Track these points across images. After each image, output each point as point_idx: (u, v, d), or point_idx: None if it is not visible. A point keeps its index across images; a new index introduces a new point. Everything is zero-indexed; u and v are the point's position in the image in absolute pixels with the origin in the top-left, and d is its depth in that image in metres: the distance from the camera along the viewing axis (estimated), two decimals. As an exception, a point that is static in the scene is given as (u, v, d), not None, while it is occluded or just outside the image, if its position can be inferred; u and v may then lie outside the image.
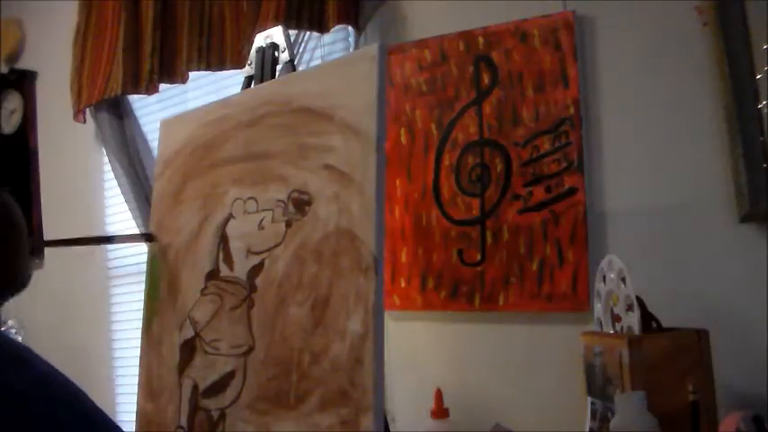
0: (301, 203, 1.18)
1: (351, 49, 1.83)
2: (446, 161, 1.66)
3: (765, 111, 1.29)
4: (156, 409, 1.37)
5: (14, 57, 2.71)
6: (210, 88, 2.15)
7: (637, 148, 1.46)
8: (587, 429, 1.25)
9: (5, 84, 2.70)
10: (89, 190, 2.50)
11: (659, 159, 1.43)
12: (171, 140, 1.52)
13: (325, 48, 1.86)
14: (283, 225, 1.21)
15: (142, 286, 1.50)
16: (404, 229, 1.71)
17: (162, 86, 2.10)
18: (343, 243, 1.09)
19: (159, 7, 2.07)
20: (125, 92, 2.13)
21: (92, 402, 0.74)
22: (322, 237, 1.13)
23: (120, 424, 0.76)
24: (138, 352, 1.47)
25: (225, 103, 1.42)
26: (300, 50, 1.83)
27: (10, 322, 2.52)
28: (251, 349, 1.20)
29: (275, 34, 1.51)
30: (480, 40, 1.63)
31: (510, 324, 1.60)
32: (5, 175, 2.63)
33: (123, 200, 2.26)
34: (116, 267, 2.44)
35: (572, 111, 1.51)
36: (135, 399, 1.44)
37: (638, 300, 1.18)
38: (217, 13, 1.98)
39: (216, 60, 1.98)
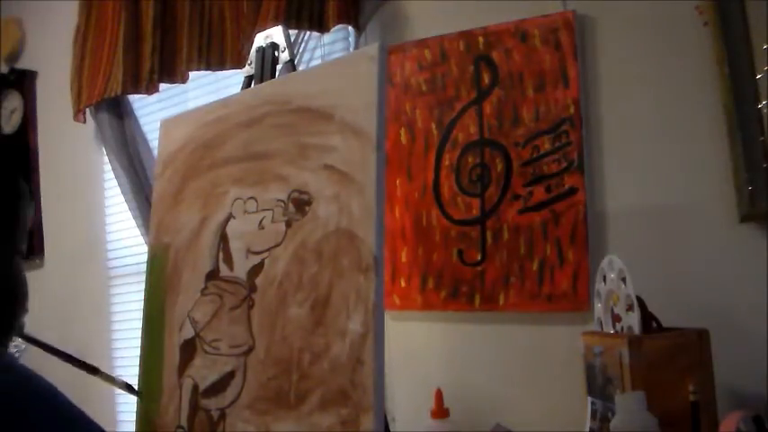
0: (301, 203, 1.18)
1: (351, 49, 1.83)
2: (446, 161, 1.66)
3: (765, 111, 1.29)
4: (155, 409, 1.37)
5: (14, 56, 2.72)
6: (210, 88, 2.15)
7: (637, 148, 1.46)
8: (587, 429, 1.25)
9: (5, 84, 2.70)
10: (89, 190, 2.50)
11: (659, 159, 1.43)
12: (171, 140, 1.52)
13: (325, 48, 1.86)
14: (283, 225, 1.21)
15: (142, 286, 1.50)
16: (404, 229, 1.71)
17: (162, 86, 2.10)
18: (343, 243, 1.09)
19: (159, 7, 2.07)
20: (125, 92, 2.13)
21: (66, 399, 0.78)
22: (322, 237, 1.13)
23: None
24: (138, 352, 1.47)
25: (225, 102, 1.42)
26: (300, 50, 1.83)
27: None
28: (251, 349, 1.20)
29: (275, 34, 1.51)
30: (480, 39, 1.63)
31: (510, 324, 1.60)
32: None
33: (123, 200, 2.26)
34: (116, 267, 2.44)
35: (572, 111, 1.51)
36: (135, 399, 1.44)
37: (638, 300, 1.18)
38: (217, 13, 1.98)
39: (216, 60, 1.98)
